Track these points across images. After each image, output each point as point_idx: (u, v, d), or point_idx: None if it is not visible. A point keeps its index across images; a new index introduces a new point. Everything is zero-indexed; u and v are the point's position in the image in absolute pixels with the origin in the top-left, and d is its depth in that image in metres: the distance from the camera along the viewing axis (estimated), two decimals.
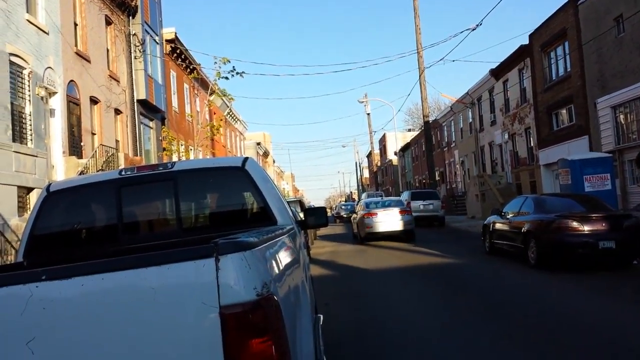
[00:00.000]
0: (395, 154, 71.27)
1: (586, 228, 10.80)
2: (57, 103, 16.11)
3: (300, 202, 22.39)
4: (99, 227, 4.42)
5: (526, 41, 27.94)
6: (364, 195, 44.77)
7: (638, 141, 19.05)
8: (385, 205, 21.48)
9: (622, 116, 20.22)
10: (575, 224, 10.85)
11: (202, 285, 1.87)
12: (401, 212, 20.55)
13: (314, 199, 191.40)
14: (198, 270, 1.88)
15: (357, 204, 31.00)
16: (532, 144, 28.97)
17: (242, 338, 1.87)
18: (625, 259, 11.11)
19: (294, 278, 2.93)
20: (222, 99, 30.42)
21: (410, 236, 20.35)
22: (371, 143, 70.24)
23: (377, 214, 20.53)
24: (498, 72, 32.36)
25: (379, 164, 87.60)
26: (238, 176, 4.34)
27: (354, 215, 24.40)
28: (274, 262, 2.40)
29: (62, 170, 15.79)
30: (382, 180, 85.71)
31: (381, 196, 40.46)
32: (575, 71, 23.28)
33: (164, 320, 1.88)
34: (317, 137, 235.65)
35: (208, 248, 1.91)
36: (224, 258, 1.88)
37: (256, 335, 1.89)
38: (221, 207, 4.64)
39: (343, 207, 48.65)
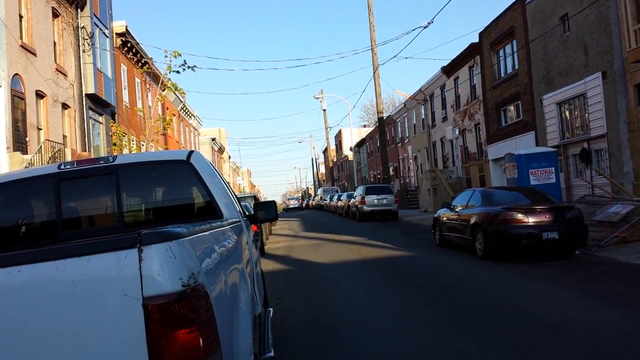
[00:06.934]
0: (351, 149, 71.84)
1: (530, 220, 11.16)
2: (1, 97, 15.56)
3: (255, 198, 22.32)
4: (37, 223, 4.26)
5: (476, 39, 28.55)
6: (319, 191, 61.63)
7: (581, 136, 19.77)
8: (294, 199, 75.47)
9: (566, 112, 20.93)
10: (520, 216, 11.20)
11: (125, 276, 1.81)
12: (298, 201, 71.54)
13: (271, 195, 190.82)
14: (120, 261, 1.81)
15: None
16: (481, 140, 29.65)
17: (166, 329, 1.82)
18: (568, 250, 11.49)
19: (231, 271, 2.87)
20: (174, 93, 29.96)
21: (303, 209, 62.58)
22: (327, 139, 70.51)
23: (290, 202, 71.28)
24: (449, 70, 32.89)
25: (334, 159, 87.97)
26: (183, 170, 4.25)
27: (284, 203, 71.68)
28: (206, 254, 2.33)
29: (7, 166, 15.28)
30: (338, 175, 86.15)
31: (337, 191, 57.24)
32: (522, 69, 23.94)
33: (85, 313, 1.81)
34: (273, 133, 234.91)
35: (130, 238, 1.84)
36: (148, 248, 1.81)
37: (182, 326, 1.84)
38: (165, 201, 4.54)
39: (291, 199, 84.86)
